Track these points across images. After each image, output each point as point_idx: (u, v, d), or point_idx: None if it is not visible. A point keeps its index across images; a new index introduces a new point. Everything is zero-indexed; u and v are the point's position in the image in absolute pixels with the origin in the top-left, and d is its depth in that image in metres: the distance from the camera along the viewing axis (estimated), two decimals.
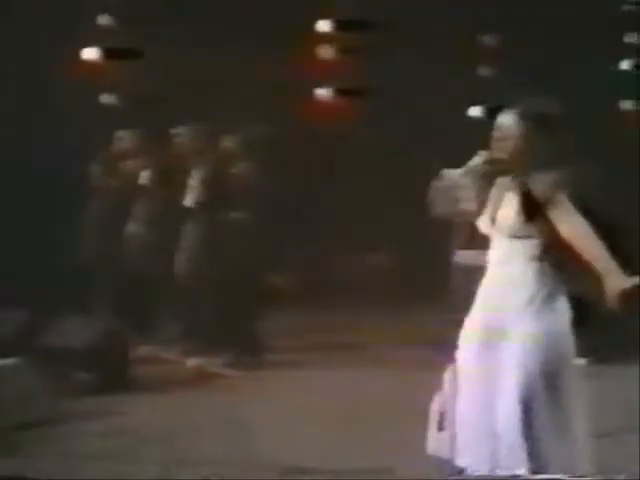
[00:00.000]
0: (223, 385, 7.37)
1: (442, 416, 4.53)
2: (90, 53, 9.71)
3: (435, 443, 4.58)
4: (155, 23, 9.75)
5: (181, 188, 7.87)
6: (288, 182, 8.38)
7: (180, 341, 7.92)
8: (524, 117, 4.41)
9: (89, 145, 8.75)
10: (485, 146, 9.66)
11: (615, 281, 4.20)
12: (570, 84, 9.86)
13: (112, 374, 7.00)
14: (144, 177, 8.27)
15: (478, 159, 4.51)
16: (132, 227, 8.48)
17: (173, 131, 8.23)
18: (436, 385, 6.86)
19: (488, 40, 11.23)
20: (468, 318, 4.56)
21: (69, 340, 6.96)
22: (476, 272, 8.70)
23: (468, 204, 4.73)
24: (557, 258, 4.36)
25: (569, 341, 4.42)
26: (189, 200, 7.87)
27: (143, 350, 7.77)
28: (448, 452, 4.55)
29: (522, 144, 4.39)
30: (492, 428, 4.42)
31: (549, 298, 4.40)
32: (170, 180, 8.08)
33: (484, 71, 11.19)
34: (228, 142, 8.00)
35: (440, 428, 4.51)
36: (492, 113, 11.47)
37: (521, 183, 4.36)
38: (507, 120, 4.45)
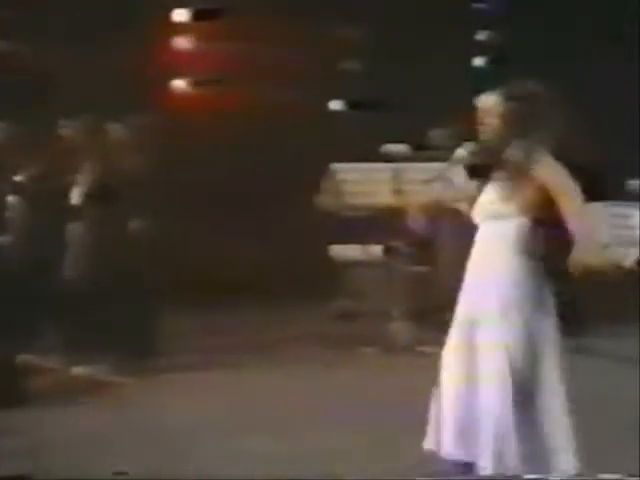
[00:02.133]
0: (113, 393, 6.98)
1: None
2: None
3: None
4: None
5: (66, 186, 7.40)
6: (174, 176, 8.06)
7: (64, 349, 7.42)
8: (506, 98, 4.38)
9: None
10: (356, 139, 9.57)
11: (584, 251, 4.19)
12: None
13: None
14: (23, 176, 7.69)
15: (463, 150, 4.38)
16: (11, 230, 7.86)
17: (57, 126, 7.73)
18: (332, 383, 6.96)
19: (351, 34, 11.11)
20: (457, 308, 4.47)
21: None
22: (357, 266, 8.78)
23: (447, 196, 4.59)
24: (542, 248, 4.28)
25: (553, 340, 4.33)
26: (76, 197, 7.40)
27: (26, 360, 7.23)
28: (434, 444, 4.48)
29: (501, 124, 4.35)
30: (474, 422, 4.36)
31: (528, 298, 4.31)
32: (54, 177, 7.56)
33: (347, 65, 11.04)
34: (113, 135, 7.59)
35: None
36: (353, 107, 11.43)
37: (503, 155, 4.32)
38: (489, 101, 4.44)
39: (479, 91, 11.28)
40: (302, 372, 7.40)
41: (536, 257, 4.30)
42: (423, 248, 8.37)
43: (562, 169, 4.27)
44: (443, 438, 4.41)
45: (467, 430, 4.37)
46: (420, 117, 9.22)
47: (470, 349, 4.39)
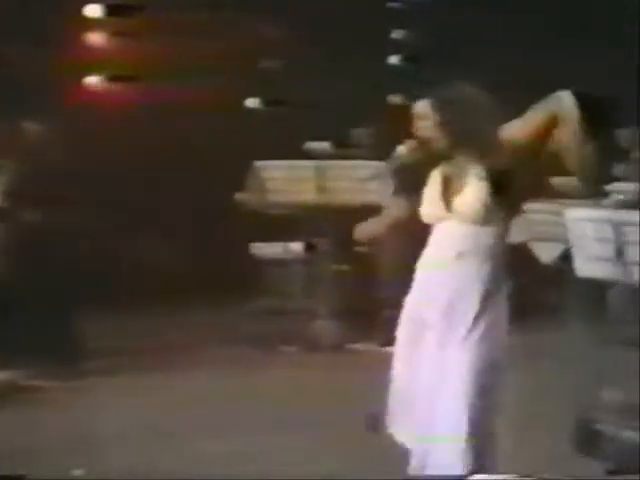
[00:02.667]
0: (36, 398, 6.81)
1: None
2: None
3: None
4: None
5: None
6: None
7: None
8: (441, 101, 4.30)
9: None
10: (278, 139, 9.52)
11: None
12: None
13: None
14: None
15: (403, 148, 4.31)
16: None
17: None
18: (257, 382, 6.92)
19: (270, 31, 11.02)
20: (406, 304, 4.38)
21: None
22: (280, 265, 8.75)
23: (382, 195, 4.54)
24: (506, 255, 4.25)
25: (503, 345, 4.32)
26: None
27: None
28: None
29: (442, 127, 4.26)
30: (428, 418, 4.27)
31: (492, 298, 4.27)
32: None
33: (266, 62, 10.95)
34: (30, 133, 7.40)
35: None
36: (272, 104, 11.33)
37: (482, 163, 4.21)
38: (424, 107, 4.33)
39: (396, 89, 11.37)
40: (227, 372, 7.30)
41: (488, 255, 4.24)
42: (347, 246, 8.36)
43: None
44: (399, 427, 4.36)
45: (422, 426, 4.32)
46: (341, 115, 9.22)
47: (421, 345, 4.33)
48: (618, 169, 8.43)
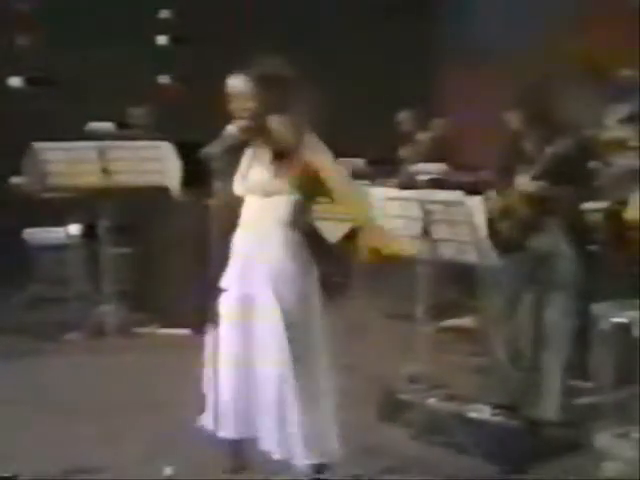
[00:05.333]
0: None
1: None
2: None
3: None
4: None
5: None
6: None
7: None
8: (254, 79, 4.35)
9: None
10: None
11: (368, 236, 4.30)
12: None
13: None
14: None
15: (232, 128, 4.29)
16: None
17: None
18: (38, 373, 6.69)
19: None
20: (224, 286, 4.38)
21: None
22: (56, 250, 8.43)
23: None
24: (309, 223, 4.33)
25: (317, 318, 4.37)
26: None
27: None
28: (212, 424, 4.42)
29: (257, 105, 4.33)
30: (252, 401, 4.35)
31: (298, 271, 4.32)
32: None
33: (21, 40, 10.58)
34: None
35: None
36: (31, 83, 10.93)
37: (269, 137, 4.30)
38: (237, 83, 4.38)
39: (163, 69, 11.22)
40: (9, 364, 7.04)
41: (305, 231, 4.33)
42: (128, 229, 8.21)
43: (326, 150, 4.32)
44: (221, 418, 4.35)
45: (247, 410, 4.34)
46: (115, 95, 9.04)
47: (245, 325, 4.35)
48: (404, 151, 8.71)
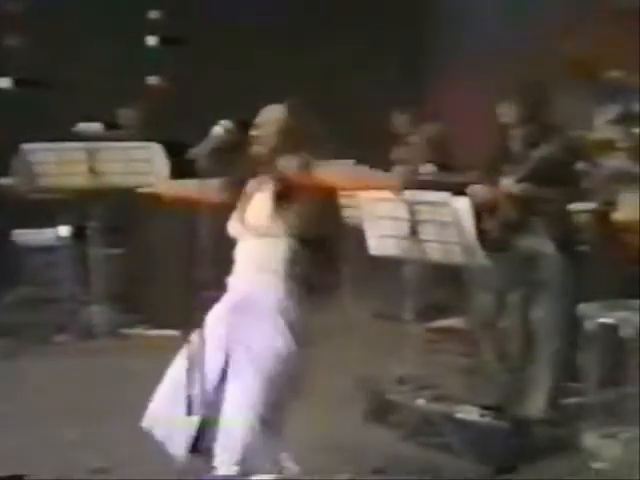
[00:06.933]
0: None
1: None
2: None
3: None
4: None
5: None
6: None
7: None
8: (290, 112, 4.30)
9: None
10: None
11: None
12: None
13: None
14: None
15: (219, 129, 4.22)
16: None
17: None
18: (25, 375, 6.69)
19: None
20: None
21: None
22: (47, 251, 8.42)
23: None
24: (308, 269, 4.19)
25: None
26: None
27: None
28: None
29: (282, 137, 4.25)
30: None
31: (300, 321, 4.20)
32: None
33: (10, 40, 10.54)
34: None
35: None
36: (20, 84, 10.91)
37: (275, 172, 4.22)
38: (274, 113, 4.33)
39: (153, 70, 11.22)
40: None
41: (302, 280, 4.16)
42: (117, 230, 8.21)
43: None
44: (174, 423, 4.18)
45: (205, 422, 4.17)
46: (104, 96, 9.02)
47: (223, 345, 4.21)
48: (396, 152, 8.70)
